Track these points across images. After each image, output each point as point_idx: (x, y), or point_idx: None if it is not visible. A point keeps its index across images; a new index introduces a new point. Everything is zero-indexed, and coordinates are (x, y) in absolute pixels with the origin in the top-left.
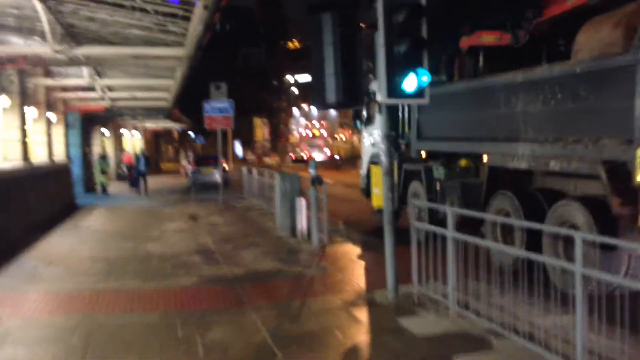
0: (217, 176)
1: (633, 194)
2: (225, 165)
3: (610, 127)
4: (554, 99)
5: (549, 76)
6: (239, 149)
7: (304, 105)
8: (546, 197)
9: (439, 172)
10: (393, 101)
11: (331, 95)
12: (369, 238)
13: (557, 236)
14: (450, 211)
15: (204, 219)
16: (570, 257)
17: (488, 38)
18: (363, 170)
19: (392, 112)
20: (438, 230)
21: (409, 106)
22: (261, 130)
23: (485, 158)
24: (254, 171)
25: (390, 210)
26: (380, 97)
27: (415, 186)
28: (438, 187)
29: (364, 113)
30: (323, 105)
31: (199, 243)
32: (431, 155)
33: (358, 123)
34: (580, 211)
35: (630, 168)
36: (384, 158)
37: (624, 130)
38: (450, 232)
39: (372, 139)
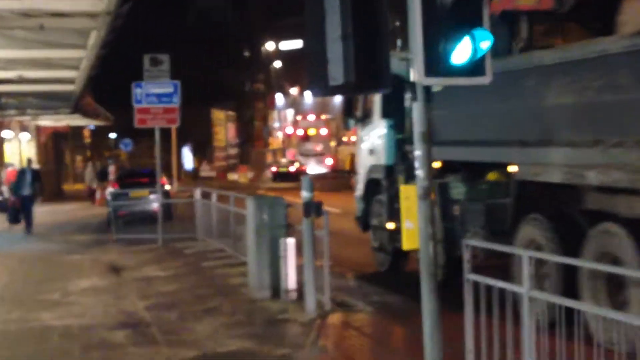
0: (153, 203)
1: None
2: (167, 185)
3: None
4: (590, 87)
5: (580, 57)
6: (188, 159)
7: (294, 90)
8: (589, 221)
9: (457, 190)
10: (434, 81)
11: (337, 73)
12: (395, 299)
13: (596, 274)
14: (526, 256)
15: (134, 272)
16: (616, 301)
17: (525, 1)
18: (358, 191)
19: (394, 104)
20: (506, 286)
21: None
22: (224, 129)
23: (513, 169)
24: (213, 195)
25: (430, 255)
26: (414, 74)
27: None
28: (457, 211)
29: (360, 107)
30: (324, 90)
31: (124, 310)
32: (449, 166)
33: (350, 122)
34: (624, 239)
35: None
36: (420, 171)
37: None
38: (526, 289)
39: (370, 144)
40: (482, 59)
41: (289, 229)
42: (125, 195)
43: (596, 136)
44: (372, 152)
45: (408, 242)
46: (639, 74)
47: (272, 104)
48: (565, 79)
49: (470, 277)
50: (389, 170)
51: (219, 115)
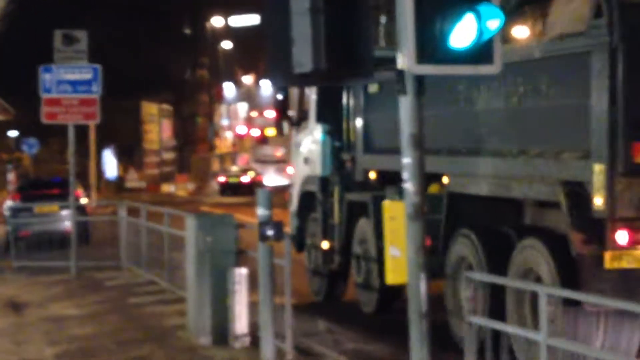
0: (65, 222)
1: (596, 226)
2: (83, 199)
3: (568, 135)
4: (514, 93)
5: (508, 61)
6: (111, 165)
7: (247, 79)
8: (518, 236)
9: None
10: (428, 69)
11: (304, 56)
12: (375, 347)
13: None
14: (544, 294)
15: (39, 310)
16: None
17: None
18: (292, 205)
19: (331, 106)
20: (520, 332)
21: (354, 97)
22: (158, 127)
23: (446, 181)
24: (143, 211)
25: (421, 292)
26: (403, 60)
27: (363, 227)
28: None
29: (295, 107)
30: (287, 79)
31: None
32: (387, 177)
33: (284, 126)
34: (542, 254)
35: (588, 191)
36: (409, 185)
37: (579, 139)
38: (544, 335)
39: (305, 152)
40: (490, 42)
41: (240, 256)
42: (28, 211)
43: (520, 146)
44: (307, 160)
45: (393, 274)
46: (558, 80)
47: (219, 96)
48: (491, 85)
49: (473, 320)
50: (325, 182)
51: (151, 109)
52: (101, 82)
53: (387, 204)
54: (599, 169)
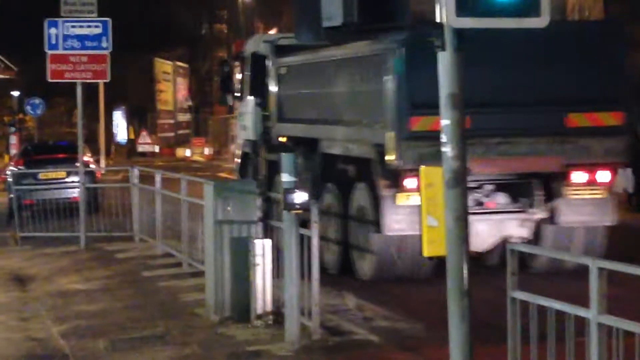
0: (73, 189)
1: (393, 175)
2: (93, 165)
3: (375, 112)
4: (351, 80)
5: (340, 56)
6: (122, 127)
7: (271, 33)
8: (355, 182)
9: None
10: (468, 22)
11: (334, 9)
12: (408, 324)
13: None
14: (595, 268)
15: (45, 284)
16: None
17: None
18: (236, 164)
19: (260, 81)
20: (568, 309)
21: (272, 76)
22: (172, 86)
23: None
24: (157, 178)
25: (462, 266)
26: (441, 13)
27: (278, 183)
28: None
29: (236, 82)
30: (315, 34)
31: (33, 337)
32: (293, 141)
33: (228, 98)
34: (367, 194)
35: (385, 151)
36: (448, 148)
37: (381, 115)
38: (594, 313)
39: (243, 120)
40: None
41: (264, 229)
42: (33, 177)
43: (354, 118)
44: (244, 127)
45: (430, 246)
46: (369, 72)
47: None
48: (337, 73)
49: (515, 295)
50: (255, 144)
51: (164, 67)
52: (111, 37)
53: (424, 169)
54: (390, 135)
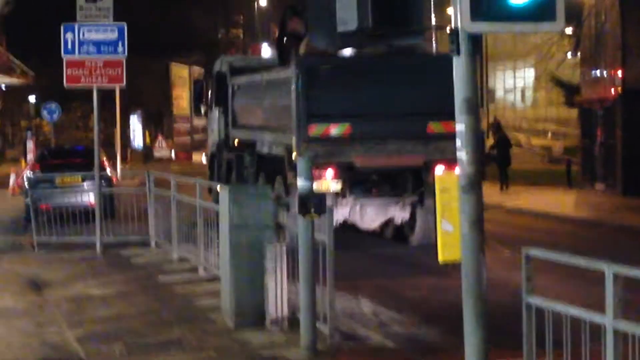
0: (89, 194)
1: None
2: (108, 170)
3: (286, 120)
4: (273, 97)
5: (267, 78)
6: (138, 132)
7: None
8: (276, 174)
9: (245, 160)
10: (484, 27)
11: (348, 13)
12: (425, 330)
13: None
14: (611, 273)
15: (62, 289)
16: None
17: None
18: (208, 162)
19: (223, 94)
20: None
21: (229, 89)
22: (188, 91)
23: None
24: (173, 183)
25: (477, 272)
26: (456, 18)
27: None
28: (246, 176)
29: (207, 94)
30: (330, 39)
31: (49, 342)
32: (244, 144)
33: (202, 108)
34: (280, 184)
35: (292, 150)
36: (463, 153)
37: (288, 123)
38: (610, 318)
39: (212, 125)
40: None
41: (279, 231)
42: (49, 182)
43: (276, 125)
44: (212, 131)
45: (445, 251)
46: (282, 91)
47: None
48: (266, 90)
49: (531, 300)
50: (219, 146)
51: (181, 72)
52: (127, 42)
53: (438, 175)
54: (294, 139)
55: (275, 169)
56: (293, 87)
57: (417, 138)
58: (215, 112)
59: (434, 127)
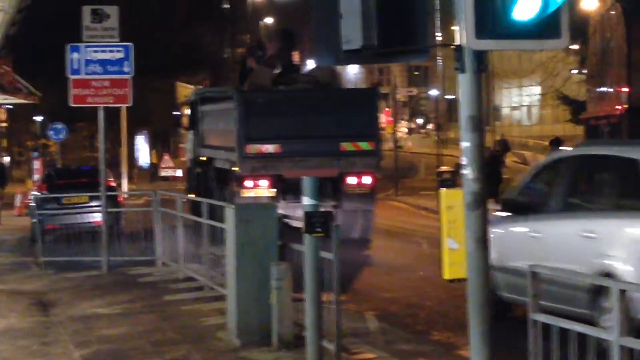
0: (96, 213)
1: (239, 179)
2: (115, 189)
3: (229, 141)
4: (222, 122)
5: (218, 107)
6: (145, 152)
7: (295, 55)
8: (225, 184)
9: (208, 174)
10: (488, 44)
11: (353, 32)
12: (431, 348)
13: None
14: (617, 290)
15: (67, 308)
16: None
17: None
18: (186, 176)
19: (194, 119)
20: (590, 331)
21: (198, 113)
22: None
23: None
24: (179, 201)
25: (483, 290)
26: (462, 37)
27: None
28: (209, 188)
29: (185, 119)
30: (334, 57)
31: None
32: (208, 160)
33: (180, 130)
34: (228, 191)
35: (234, 165)
36: (469, 170)
37: (232, 144)
38: (616, 335)
39: (187, 145)
40: (556, 14)
41: (285, 250)
42: (55, 202)
43: (223, 145)
44: (188, 150)
45: (451, 269)
46: (227, 118)
47: None
48: (218, 116)
49: (537, 317)
50: (192, 162)
51: (187, 91)
52: (133, 62)
53: (443, 192)
54: (236, 155)
55: (225, 180)
56: (235, 115)
57: (332, 155)
58: (190, 134)
59: (346, 146)
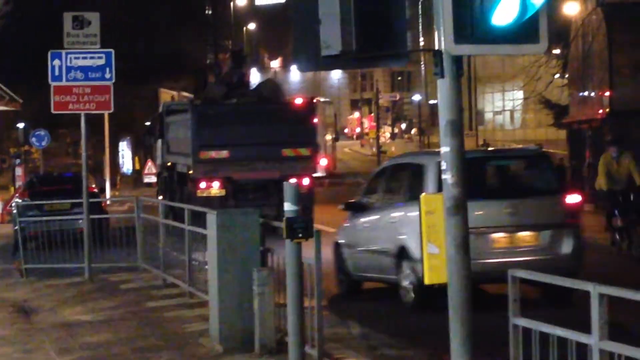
0: (78, 220)
1: (194, 180)
2: (97, 195)
3: (187, 148)
4: (181, 131)
5: (176, 119)
6: (128, 158)
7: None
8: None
9: (172, 177)
10: (467, 49)
11: (332, 37)
12: (414, 352)
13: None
14: (597, 294)
15: (50, 315)
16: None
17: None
18: (157, 181)
19: (162, 126)
20: (569, 335)
21: (165, 123)
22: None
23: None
24: (161, 207)
25: (463, 294)
26: (440, 42)
27: None
28: (173, 189)
29: (157, 128)
30: (313, 62)
31: None
32: (173, 165)
33: (151, 139)
34: (186, 193)
35: (190, 168)
36: (448, 175)
37: (188, 149)
38: (595, 339)
39: (157, 152)
40: (534, 18)
41: (266, 255)
42: (38, 209)
43: (184, 152)
44: (157, 157)
45: (431, 274)
46: (184, 128)
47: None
48: (179, 127)
49: (517, 321)
50: (161, 168)
51: (169, 97)
52: (115, 68)
53: (424, 197)
54: (190, 160)
55: (184, 182)
56: (190, 125)
57: (274, 159)
58: (159, 142)
59: (287, 152)
